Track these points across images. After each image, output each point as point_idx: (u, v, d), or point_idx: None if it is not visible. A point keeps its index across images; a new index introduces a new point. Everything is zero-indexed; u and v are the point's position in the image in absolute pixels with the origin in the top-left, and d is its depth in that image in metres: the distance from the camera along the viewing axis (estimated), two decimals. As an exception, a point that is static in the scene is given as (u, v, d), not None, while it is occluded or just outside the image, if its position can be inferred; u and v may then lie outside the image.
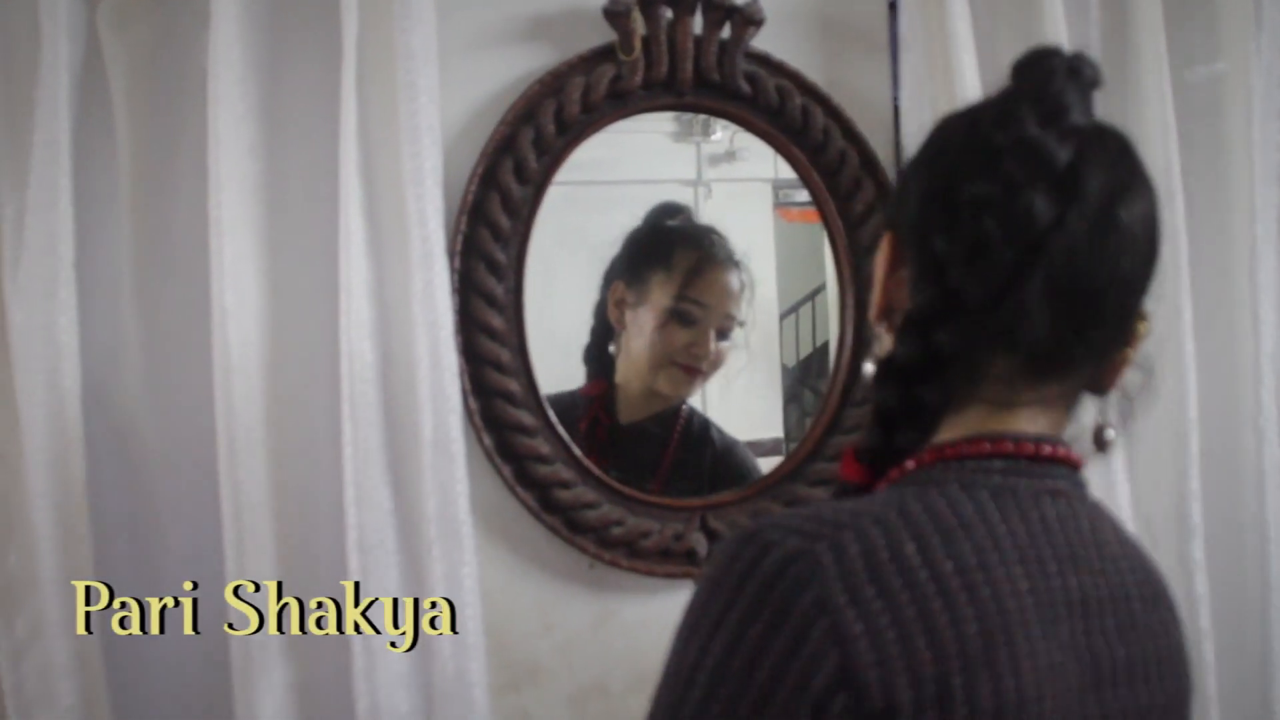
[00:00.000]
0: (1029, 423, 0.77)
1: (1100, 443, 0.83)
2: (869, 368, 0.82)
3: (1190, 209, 1.61)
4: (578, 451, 1.45)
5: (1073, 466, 0.78)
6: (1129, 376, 0.82)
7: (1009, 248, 0.72)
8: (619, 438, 1.54)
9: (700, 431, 1.58)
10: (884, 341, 0.82)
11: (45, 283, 1.26)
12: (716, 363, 1.55)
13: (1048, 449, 0.76)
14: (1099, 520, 0.78)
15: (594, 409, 1.52)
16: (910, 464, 0.77)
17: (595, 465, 1.46)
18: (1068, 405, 0.80)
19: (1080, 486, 0.79)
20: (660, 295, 1.52)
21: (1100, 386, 0.81)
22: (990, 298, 0.73)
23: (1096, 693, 0.71)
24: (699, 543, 1.45)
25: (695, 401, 1.60)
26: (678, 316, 1.53)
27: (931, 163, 0.81)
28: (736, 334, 1.57)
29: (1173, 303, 1.52)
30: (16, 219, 1.27)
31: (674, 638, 0.70)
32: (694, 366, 1.54)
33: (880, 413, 0.78)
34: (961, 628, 0.66)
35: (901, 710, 0.64)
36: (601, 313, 1.54)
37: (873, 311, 0.83)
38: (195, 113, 1.31)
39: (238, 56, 1.28)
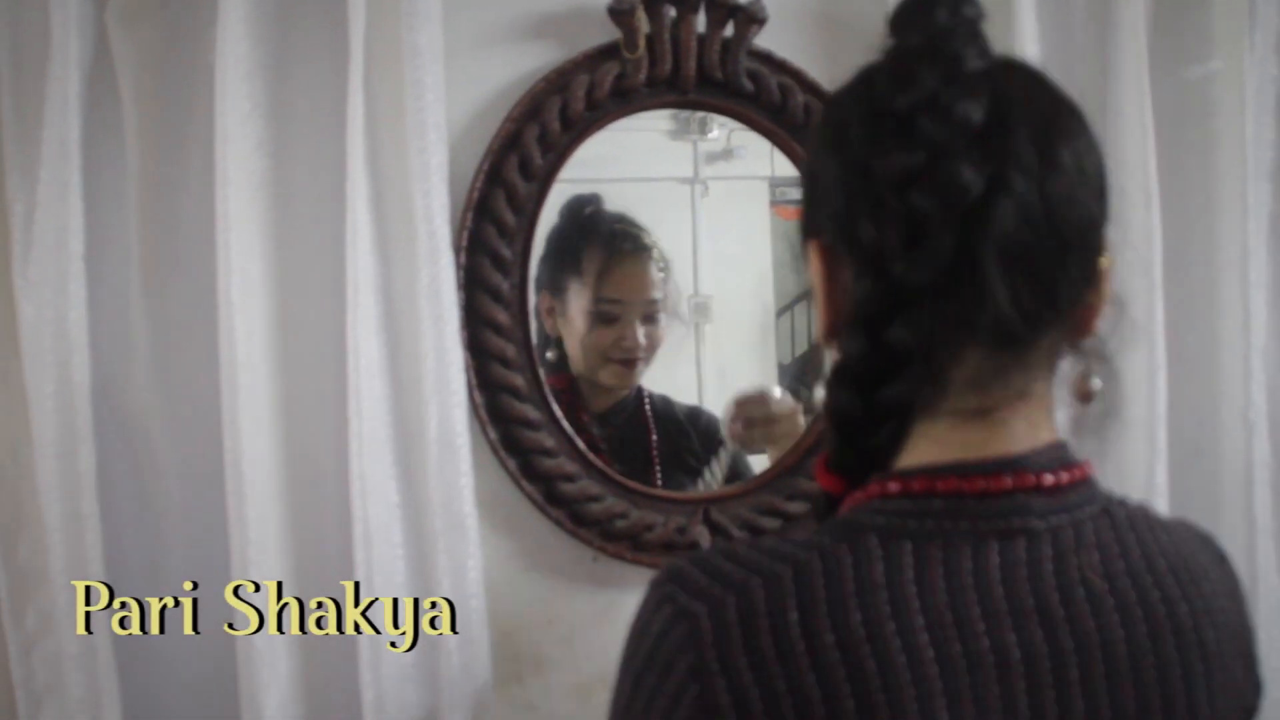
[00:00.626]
0: (1004, 432, 0.71)
1: (1084, 394, 0.76)
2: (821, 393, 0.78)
3: (1180, 205, 1.62)
4: (582, 445, 1.46)
5: (1053, 490, 0.70)
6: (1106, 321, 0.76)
7: (947, 223, 0.66)
8: (604, 425, 1.56)
9: (664, 407, 1.61)
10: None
11: (55, 277, 1.26)
12: (651, 347, 1.57)
13: (1006, 480, 0.69)
14: (1082, 552, 0.70)
15: (565, 400, 1.53)
16: (859, 494, 0.72)
17: (599, 459, 1.47)
18: (1047, 382, 0.73)
19: (1067, 509, 0.71)
20: (579, 300, 1.54)
21: (1075, 340, 0.75)
22: (939, 281, 0.67)
23: None
24: (702, 536, 1.46)
25: (689, 396, 1.62)
26: (600, 317, 1.54)
27: (836, 146, 0.73)
28: (663, 316, 1.59)
29: (1146, 298, 1.52)
30: (26, 214, 1.28)
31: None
32: (629, 359, 1.56)
33: (837, 421, 0.73)
34: (836, 704, 0.62)
35: None
36: (540, 321, 1.55)
37: (819, 331, 0.76)
38: (203, 109, 1.32)
39: (245, 54, 1.29)
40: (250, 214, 1.30)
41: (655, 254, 1.59)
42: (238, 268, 1.28)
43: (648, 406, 1.60)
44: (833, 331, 0.74)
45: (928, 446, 0.71)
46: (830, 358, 0.76)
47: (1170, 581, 0.73)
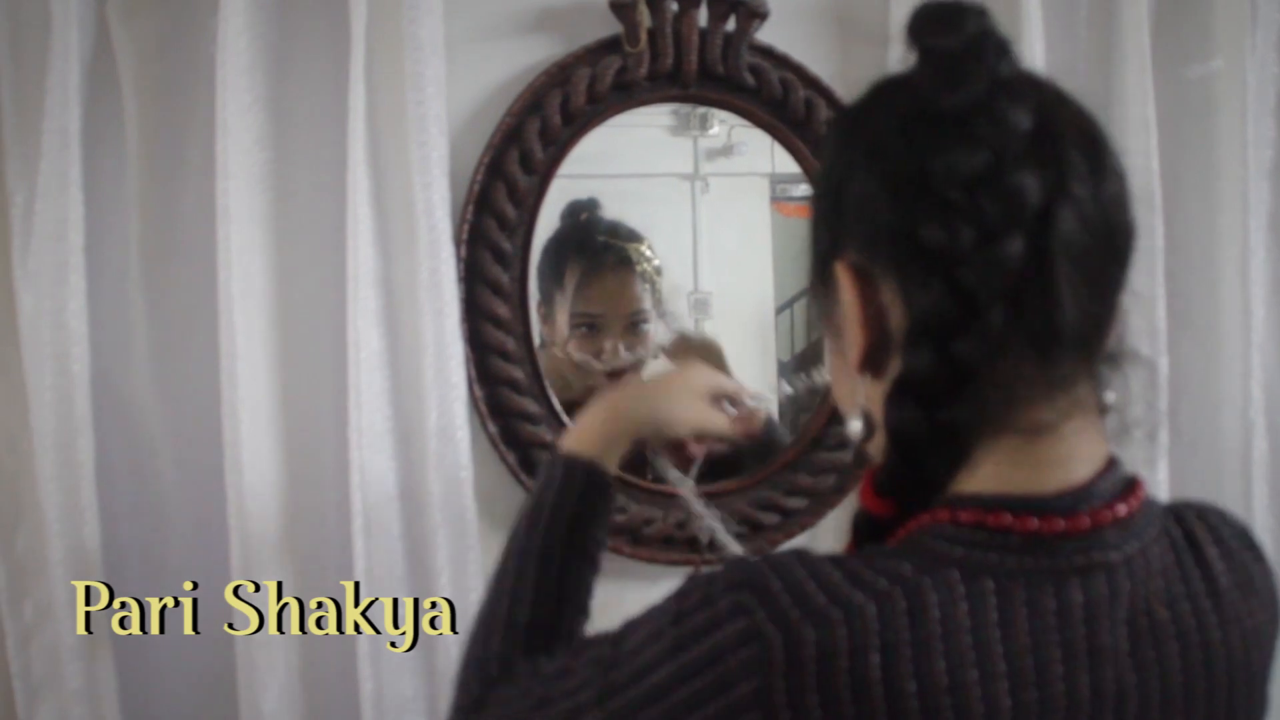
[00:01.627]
0: (1067, 452, 0.68)
1: (1100, 408, 0.73)
2: (855, 426, 0.72)
3: (1181, 204, 1.62)
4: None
5: (1125, 516, 0.68)
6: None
7: (1017, 226, 0.64)
8: None
9: None
10: (869, 394, 0.71)
11: (55, 269, 1.27)
12: (641, 355, 1.55)
13: (1085, 521, 0.66)
14: (1149, 581, 0.68)
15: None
16: (927, 519, 0.68)
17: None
18: (1093, 394, 0.71)
19: (1136, 535, 0.68)
20: (561, 314, 1.52)
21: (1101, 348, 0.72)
22: (1008, 289, 0.64)
23: None
24: (701, 531, 1.46)
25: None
26: (580, 330, 1.53)
27: (871, 157, 0.69)
28: (651, 325, 1.57)
29: (1147, 297, 1.52)
30: (26, 205, 1.28)
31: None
32: (615, 370, 1.53)
33: (899, 441, 0.68)
34: None
35: None
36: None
37: (854, 359, 0.70)
38: (203, 102, 1.32)
39: (246, 46, 1.29)
40: (250, 206, 1.30)
41: (641, 266, 1.57)
42: (238, 260, 1.29)
43: None
44: (871, 357, 0.70)
45: (993, 469, 0.68)
46: (854, 413, 0.73)
47: (1228, 601, 0.71)
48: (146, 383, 1.34)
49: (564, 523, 0.93)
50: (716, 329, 1.62)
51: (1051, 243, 0.64)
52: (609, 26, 1.44)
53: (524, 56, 1.44)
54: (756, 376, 1.65)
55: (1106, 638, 0.66)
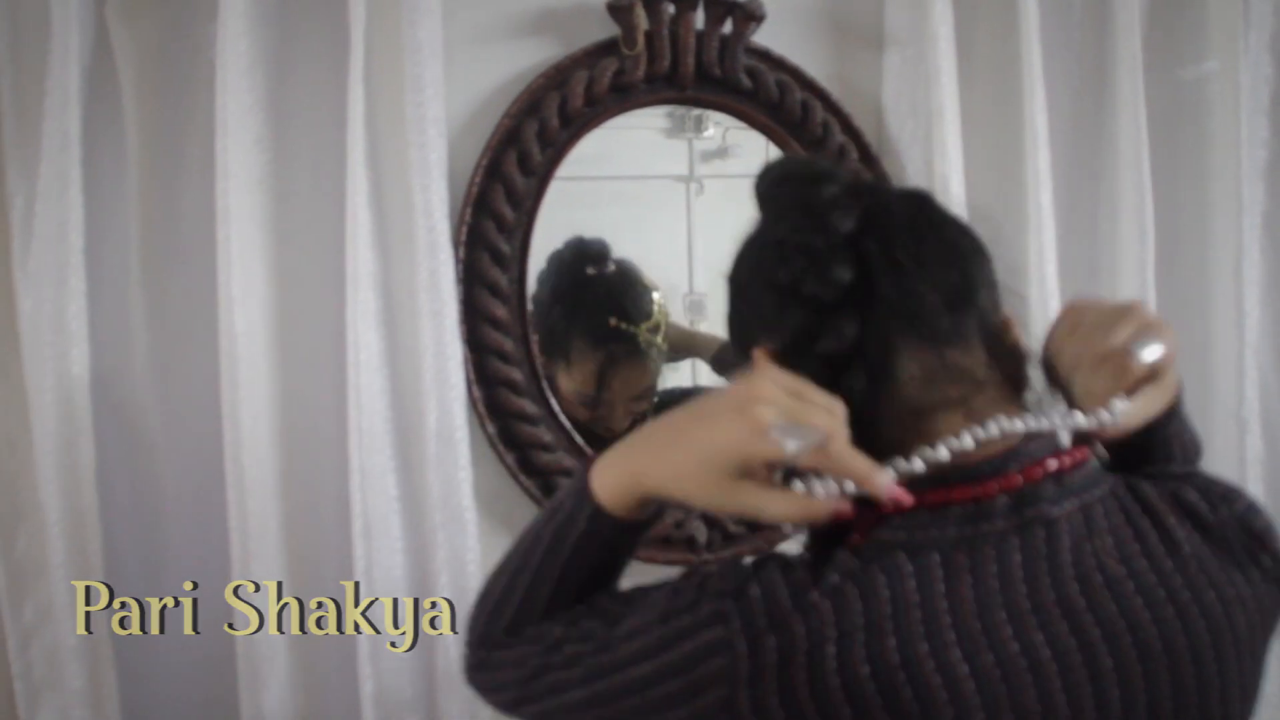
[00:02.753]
0: (978, 419, 0.74)
1: (1013, 387, 0.80)
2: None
3: (1174, 204, 1.64)
4: (580, 440, 1.46)
5: (1058, 475, 0.73)
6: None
7: (842, 256, 0.77)
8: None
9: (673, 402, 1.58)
10: None
11: (55, 270, 1.27)
12: (645, 409, 1.54)
13: (1017, 480, 0.71)
14: (1095, 537, 0.72)
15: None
16: (870, 516, 0.73)
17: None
18: (992, 377, 0.77)
19: (1077, 491, 0.73)
20: (567, 383, 1.50)
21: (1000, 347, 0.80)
22: (851, 297, 0.76)
23: None
24: (699, 530, 1.46)
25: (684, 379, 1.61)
26: (582, 401, 1.51)
27: (740, 296, 0.86)
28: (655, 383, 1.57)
29: (1139, 298, 1.52)
30: (26, 207, 1.28)
31: (653, 599, 0.72)
32: (613, 431, 1.51)
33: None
34: None
35: None
36: None
37: None
38: (203, 104, 1.32)
39: (245, 48, 1.29)
40: (250, 208, 1.31)
41: (650, 343, 1.55)
42: (237, 262, 1.29)
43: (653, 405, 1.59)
44: None
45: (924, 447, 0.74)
46: None
47: (1195, 566, 0.73)
48: (147, 384, 1.35)
49: (584, 569, 0.82)
50: (711, 330, 1.63)
51: (871, 248, 0.76)
52: (606, 29, 1.45)
53: (522, 59, 1.45)
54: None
55: (1048, 594, 0.69)
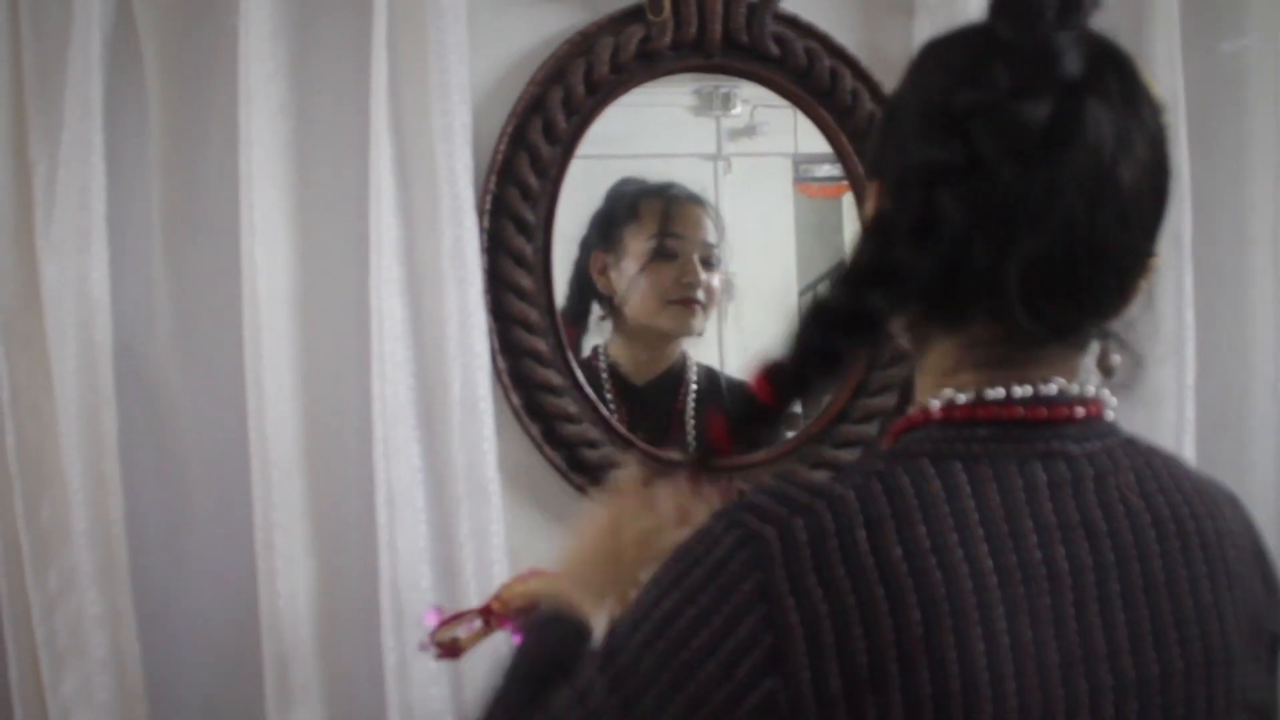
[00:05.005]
0: (1041, 377, 0.72)
1: (1105, 368, 0.77)
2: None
3: (1211, 176, 1.61)
4: (605, 411, 1.45)
5: (1084, 421, 0.73)
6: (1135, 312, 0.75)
7: (975, 228, 0.66)
8: (634, 400, 1.54)
9: (709, 382, 1.59)
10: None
11: (77, 237, 1.27)
12: (711, 294, 1.56)
13: (1043, 411, 0.71)
14: (1119, 473, 0.73)
15: (602, 379, 1.53)
16: (896, 428, 0.74)
17: (623, 426, 1.46)
18: (1079, 349, 0.75)
19: (1098, 437, 0.73)
20: (637, 244, 1.53)
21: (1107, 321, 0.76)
22: (948, 276, 0.68)
23: (1086, 666, 0.68)
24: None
25: (712, 359, 1.60)
26: (659, 254, 1.54)
27: (921, 80, 0.73)
28: (719, 268, 1.58)
29: (1175, 271, 1.51)
30: (49, 174, 1.28)
31: (654, 574, 0.71)
32: (690, 298, 1.55)
33: (798, 349, 0.73)
34: (902, 615, 0.64)
35: (834, 699, 0.63)
36: (578, 284, 1.53)
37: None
38: (225, 70, 1.31)
39: (268, 15, 1.29)
40: (273, 175, 1.30)
41: (711, 208, 1.59)
42: (260, 229, 1.28)
43: (692, 375, 1.59)
44: None
45: (969, 376, 0.73)
46: None
47: (1196, 501, 0.76)
48: (169, 352, 1.34)
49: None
50: (739, 310, 1.62)
51: (1014, 253, 0.66)
52: (633, -6, 1.43)
53: (547, 25, 1.44)
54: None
55: (1074, 514, 0.70)
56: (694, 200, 1.58)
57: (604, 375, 1.53)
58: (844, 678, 0.63)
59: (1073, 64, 0.67)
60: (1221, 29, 1.65)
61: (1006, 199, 0.66)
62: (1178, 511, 0.74)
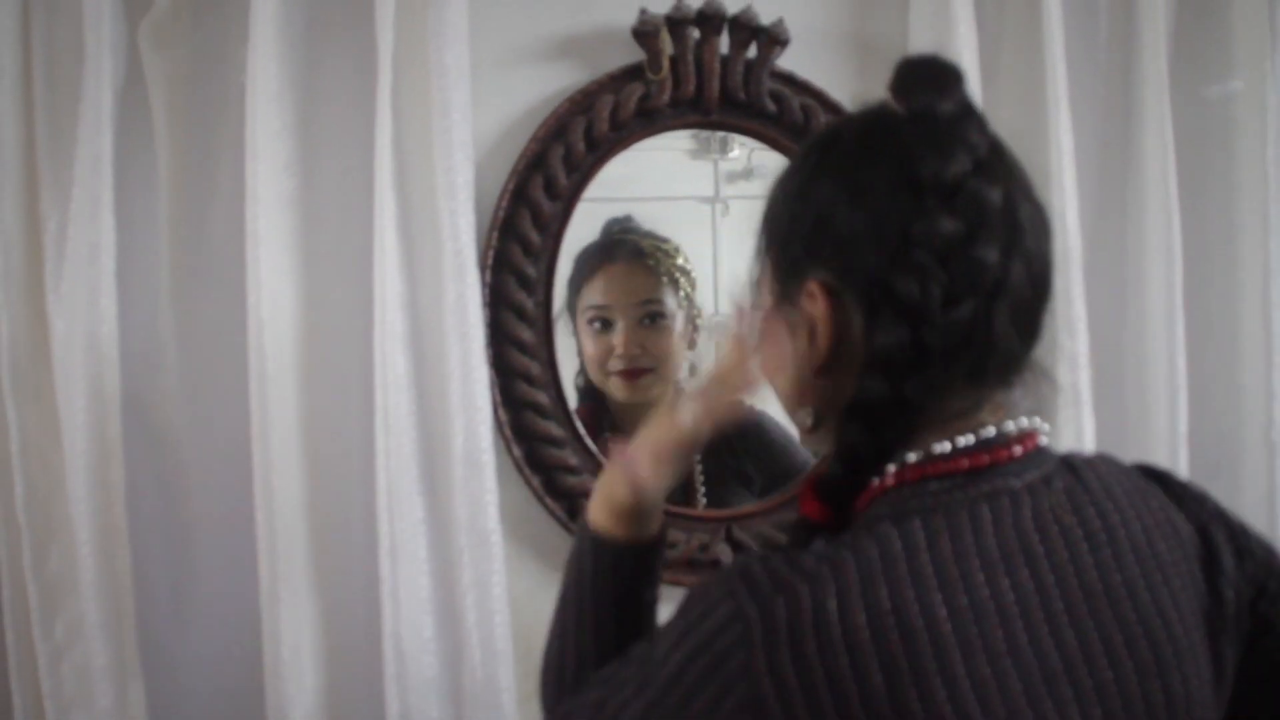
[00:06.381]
0: (978, 424, 0.78)
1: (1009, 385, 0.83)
2: (805, 419, 0.83)
3: (1201, 225, 1.63)
4: (605, 463, 1.46)
5: (1022, 457, 0.78)
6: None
7: (975, 290, 0.74)
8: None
9: None
10: (817, 391, 0.81)
11: (87, 291, 1.29)
12: (655, 353, 1.55)
13: (984, 457, 0.77)
14: (1052, 495, 0.78)
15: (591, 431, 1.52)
16: (861, 502, 0.78)
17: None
18: (1009, 387, 0.81)
19: (1036, 467, 0.78)
20: (583, 308, 1.54)
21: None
22: (962, 339, 0.75)
23: (1048, 686, 0.71)
24: (724, 553, 1.46)
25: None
26: (590, 324, 1.54)
27: (858, 196, 0.77)
28: (674, 322, 1.57)
29: (1166, 319, 1.54)
30: (60, 230, 1.30)
31: (662, 627, 0.76)
32: (629, 369, 1.54)
33: (848, 455, 0.79)
34: (866, 681, 0.68)
35: None
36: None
37: (815, 363, 0.79)
38: (233, 128, 1.34)
39: (275, 73, 1.31)
40: (279, 231, 1.32)
41: (659, 261, 1.57)
42: (267, 284, 1.30)
43: None
44: (828, 366, 0.79)
45: (915, 438, 0.79)
46: (803, 411, 0.84)
47: (1125, 504, 0.81)
48: (177, 405, 1.36)
49: (610, 604, 0.93)
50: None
51: (1000, 300, 0.75)
52: (632, 54, 1.46)
53: (548, 83, 1.46)
54: (772, 394, 1.66)
55: (1014, 544, 0.74)
56: (633, 255, 1.56)
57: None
58: None
59: (996, 199, 0.76)
60: (1209, 76, 1.67)
61: (989, 261, 0.74)
62: (1108, 520, 0.79)
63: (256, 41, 1.30)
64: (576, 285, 1.53)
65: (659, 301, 1.56)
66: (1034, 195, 0.79)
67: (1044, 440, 0.81)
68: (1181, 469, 1.53)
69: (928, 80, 0.77)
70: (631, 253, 1.56)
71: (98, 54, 1.28)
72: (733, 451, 1.56)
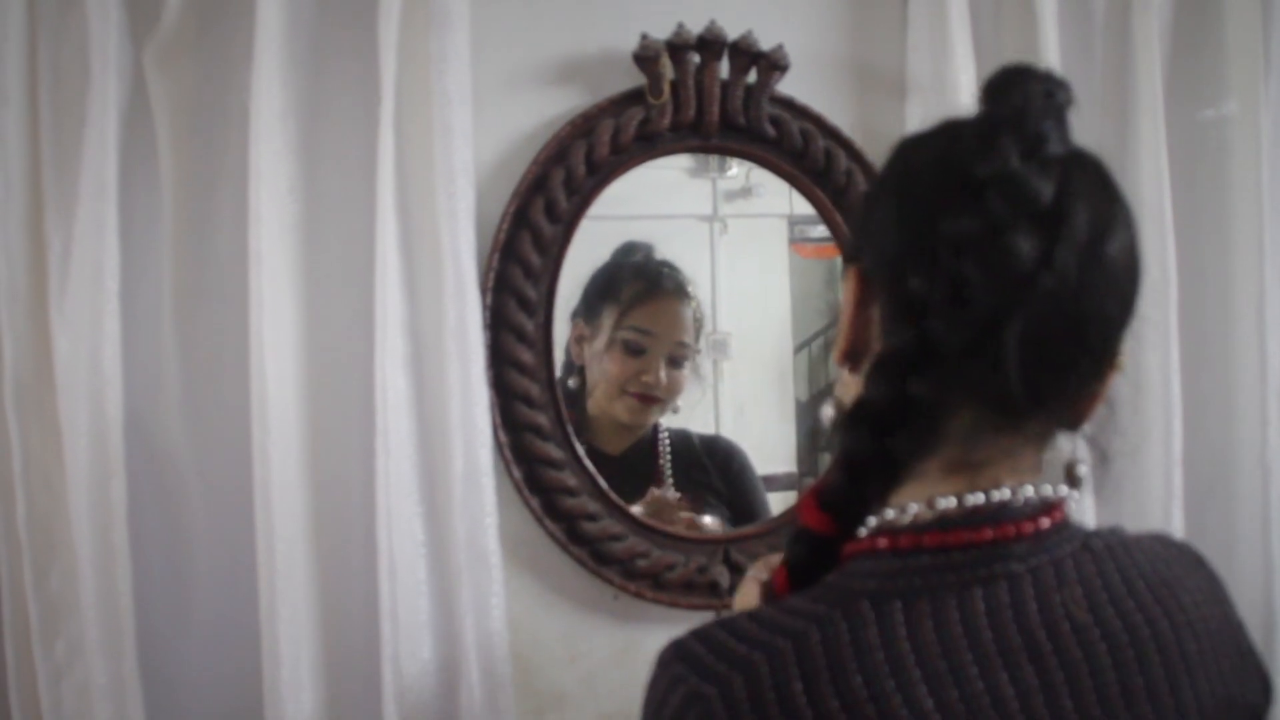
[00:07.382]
0: (987, 482, 0.74)
1: (1072, 479, 0.78)
2: (828, 411, 0.80)
3: (1195, 248, 1.64)
4: (604, 485, 1.47)
5: (1032, 535, 0.73)
6: (1102, 414, 0.78)
7: (991, 292, 0.69)
8: (611, 468, 1.54)
9: (682, 442, 1.62)
10: (846, 384, 0.78)
11: (90, 313, 1.29)
12: (672, 389, 1.59)
13: (987, 533, 0.72)
14: (1064, 588, 0.73)
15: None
16: (846, 553, 0.75)
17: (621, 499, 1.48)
18: (1038, 447, 0.77)
19: (1046, 550, 0.74)
20: (609, 326, 1.56)
21: (1072, 423, 0.77)
22: (969, 345, 0.70)
23: None
24: (722, 575, 1.47)
25: (707, 419, 1.63)
26: (625, 345, 1.57)
27: (902, 191, 0.75)
28: (690, 363, 1.61)
29: (1161, 342, 1.54)
30: (64, 251, 1.30)
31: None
32: (647, 395, 1.58)
33: (849, 460, 0.75)
34: None
35: None
36: (567, 351, 1.57)
37: (838, 352, 0.78)
38: (237, 150, 1.34)
39: (278, 96, 1.32)
40: (281, 252, 1.32)
41: (695, 302, 1.61)
42: (269, 306, 1.31)
43: (664, 442, 1.61)
44: (848, 355, 0.78)
45: (916, 488, 0.75)
46: (841, 377, 0.80)
47: (1150, 600, 0.76)
48: (178, 425, 1.37)
49: None
50: (735, 369, 1.64)
51: (1017, 313, 0.69)
52: (632, 78, 1.47)
53: (549, 107, 1.47)
54: (775, 416, 1.67)
55: (1016, 638, 0.70)
56: (679, 293, 1.60)
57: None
58: None
59: (1060, 145, 0.72)
60: (1203, 100, 1.68)
61: (1015, 257, 0.69)
62: (1129, 620, 0.74)
63: (260, 65, 1.30)
64: (609, 294, 1.56)
65: (689, 346, 1.60)
66: (1119, 227, 0.73)
67: (1068, 512, 0.77)
68: (1176, 492, 1.54)
69: (1004, 84, 0.74)
70: (678, 291, 1.60)
71: (103, 77, 1.29)
72: (703, 468, 1.60)
